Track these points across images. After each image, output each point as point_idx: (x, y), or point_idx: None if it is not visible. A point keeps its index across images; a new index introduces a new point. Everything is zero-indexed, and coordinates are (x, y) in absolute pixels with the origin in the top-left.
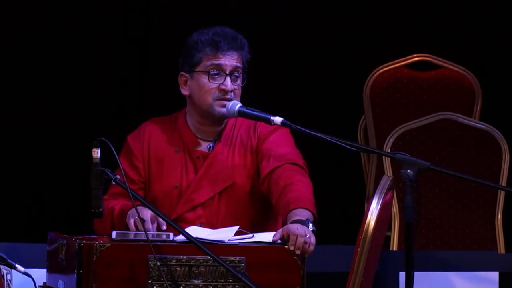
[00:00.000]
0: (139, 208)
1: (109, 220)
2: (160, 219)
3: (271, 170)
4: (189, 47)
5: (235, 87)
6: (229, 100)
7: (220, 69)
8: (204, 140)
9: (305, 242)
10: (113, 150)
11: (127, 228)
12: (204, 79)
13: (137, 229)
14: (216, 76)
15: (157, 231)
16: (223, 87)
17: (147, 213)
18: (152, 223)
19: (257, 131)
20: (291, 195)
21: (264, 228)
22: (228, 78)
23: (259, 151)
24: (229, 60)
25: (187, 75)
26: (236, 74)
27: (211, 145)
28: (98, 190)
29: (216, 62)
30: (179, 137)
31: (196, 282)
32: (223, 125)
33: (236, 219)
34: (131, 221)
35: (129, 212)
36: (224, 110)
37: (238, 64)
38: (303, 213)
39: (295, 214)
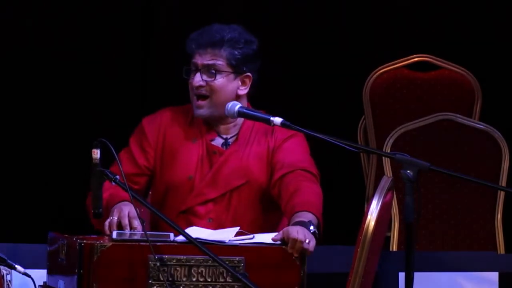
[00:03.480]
0: (119, 206)
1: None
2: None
3: (282, 175)
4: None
5: (210, 82)
6: (203, 95)
7: (194, 66)
8: (220, 135)
9: (303, 248)
10: (113, 151)
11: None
12: (188, 75)
13: (110, 231)
14: (192, 73)
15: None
16: (191, 82)
17: (125, 212)
18: (131, 222)
19: (274, 135)
20: (298, 199)
21: (272, 229)
22: (197, 74)
23: (274, 156)
24: (201, 58)
25: None
26: (212, 71)
27: (226, 142)
28: (98, 190)
29: (193, 59)
30: (197, 127)
31: (196, 282)
32: (232, 123)
33: (245, 219)
34: (106, 222)
35: (114, 207)
36: (198, 111)
37: (211, 62)
38: (306, 215)
39: (298, 215)
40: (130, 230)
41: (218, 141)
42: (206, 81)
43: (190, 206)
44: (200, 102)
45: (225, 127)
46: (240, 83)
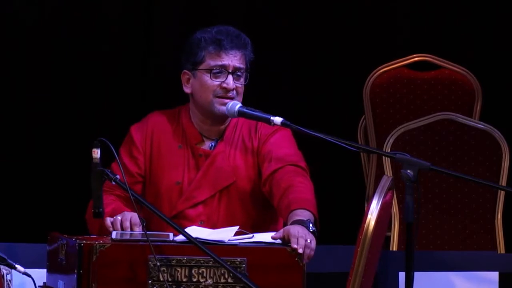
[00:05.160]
0: (122, 212)
1: (98, 223)
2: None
3: (273, 172)
4: (192, 45)
5: (238, 85)
6: (231, 98)
7: (222, 68)
8: (206, 138)
9: (306, 246)
10: (113, 150)
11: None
12: (206, 77)
13: (113, 228)
14: (219, 74)
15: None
16: (224, 85)
17: (127, 216)
18: (133, 228)
19: (258, 132)
20: (292, 196)
21: (265, 228)
22: (230, 77)
23: (260, 152)
24: (232, 60)
25: (190, 73)
26: (238, 73)
27: (213, 143)
28: (98, 190)
29: (219, 61)
30: (182, 132)
31: (196, 282)
32: (225, 124)
33: (236, 218)
34: (108, 221)
35: (119, 214)
36: (224, 108)
37: (241, 64)
38: (303, 214)
39: (296, 214)
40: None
41: (203, 144)
42: (235, 83)
43: (180, 210)
44: (227, 101)
45: (218, 128)
46: None
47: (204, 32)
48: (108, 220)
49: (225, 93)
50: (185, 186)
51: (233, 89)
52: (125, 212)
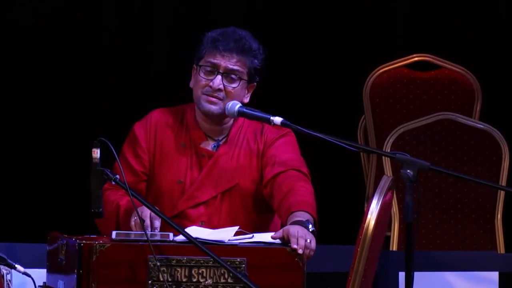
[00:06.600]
0: (141, 207)
1: (114, 219)
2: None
3: (275, 175)
4: (200, 42)
5: (228, 88)
6: (218, 98)
7: (214, 67)
8: (210, 138)
9: (306, 246)
10: (112, 150)
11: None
12: (201, 73)
13: (137, 229)
14: (209, 73)
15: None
16: (210, 83)
17: (147, 212)
18: (153, 222)
19: (264, 136)
20: (293, 199)
21: (265, 231)
22: (218, 76)
23: (264, 155)
24: (225, 61)
25: (195, 68)
26: (232, 76)
27: (216, 144)
28: (98, 190)
29: (213, 60)
30: (186, 131)
31: (196, 283)
32: (227, 125)
33: (237, 220)
34: (132, 221)
35: (134, 212)
36: (209, 106)
37: (235, 67)
38: (303, 215)
39: (295, 215)
40: (151, 230)
41: (207, 144)
42: (224, 85)
43: (181, 210)
44: (214, 99)
45: (218, 128)
46: (246, 91)
47: (213, 30)
48: (132, 222)
49: (212, 92)
50: (187, 186)
51: (220, 90)
52: (144, 208)
